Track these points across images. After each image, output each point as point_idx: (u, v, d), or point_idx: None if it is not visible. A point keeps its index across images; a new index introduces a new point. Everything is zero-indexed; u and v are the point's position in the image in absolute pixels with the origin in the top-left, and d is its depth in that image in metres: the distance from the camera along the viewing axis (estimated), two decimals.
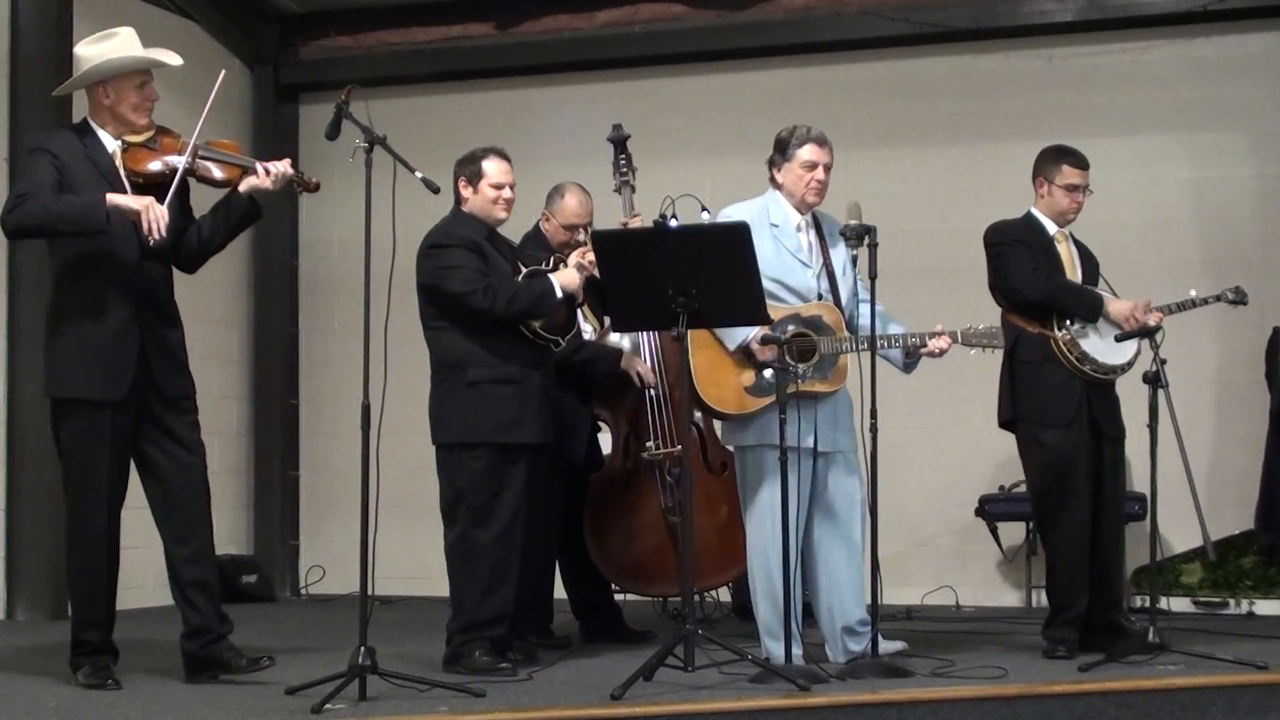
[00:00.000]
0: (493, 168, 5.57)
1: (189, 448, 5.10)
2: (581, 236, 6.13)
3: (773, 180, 5.58)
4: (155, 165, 5.06)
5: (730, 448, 5.77)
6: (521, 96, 9.28)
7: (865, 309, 5.45)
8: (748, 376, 5.42)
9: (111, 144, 5.08)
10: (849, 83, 8.74)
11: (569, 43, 9.11)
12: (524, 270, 5.57)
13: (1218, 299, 6.12)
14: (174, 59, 5.15)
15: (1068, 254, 6.03)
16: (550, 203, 6.40)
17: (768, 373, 5.28)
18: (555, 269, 5.60)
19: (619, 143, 6.67)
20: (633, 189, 6.60)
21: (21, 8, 7.71)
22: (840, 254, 5.56)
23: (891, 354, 5.50)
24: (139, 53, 5.07)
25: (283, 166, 5.12)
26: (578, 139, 8.52)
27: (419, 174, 5.00)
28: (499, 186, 5.56)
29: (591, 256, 5.49)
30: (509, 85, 9.33)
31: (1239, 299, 6.18)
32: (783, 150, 5.53)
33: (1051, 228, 6.03)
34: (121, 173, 5.04)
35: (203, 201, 5.30)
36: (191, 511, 5.10)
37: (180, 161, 5.04)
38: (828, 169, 5.51)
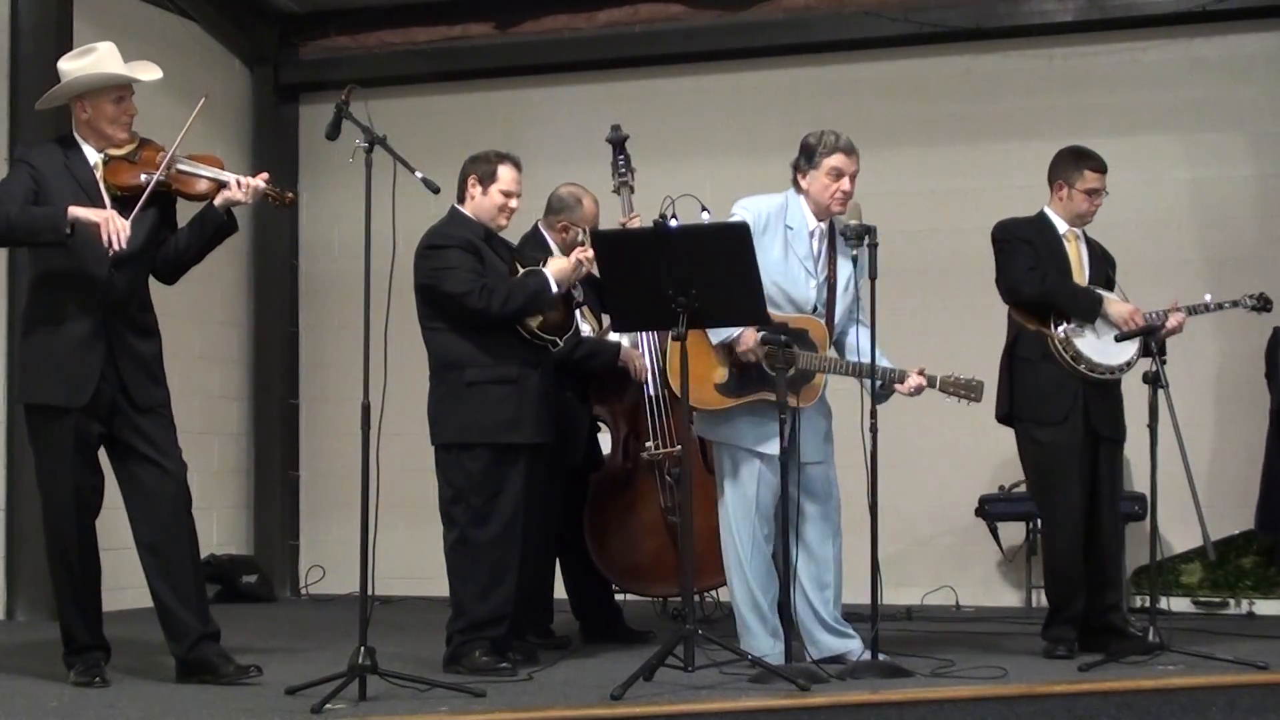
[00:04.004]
0: (507, 175, 5.56)
1: (165, 451, 5.12)
2: (580, 235, 6.13)
3: (795, 183, 5.56)
4: (134, 178, 5.08)
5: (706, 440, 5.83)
6: (521, 96, 9.28)
7: (856, 332, 5.50)
8: (720, 374, 5.44)
9: (94, 157, 5.12)
10: (849, 83, 8.74)
11: (569, 43, 9.11)
12: (521, 270, 5.57)
13: (1234, 304, 6.08)
14: (150, 75, 5.17)
15: (1076, 254, 6.03)
16: (570, 213, 6.35)
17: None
18: (549, 265, 5.59)
19: (618, 143, 6.67)
20: (631, 189, 6.61)
21: (21, 9, 7.71)
22: (846, 269, 5.56)
23: (867, 381, 5.49)
24: (113, 69, 5.09)
25: (256, 181, 5.14)
26: (577, 139, 8.51)
27: (419, 174, 5.00)
28: (508, 195, 5.55)
29: (590, 254, 5.49)
30: (509, 85, 9.33)
31: (1261, 305, 6.14)
32: (810, 157, 5.50)
33: (1062, 227, 6.04)
34: (101, 185, 5.08)
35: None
36: (165, 516, 5.09)
37: (154, 175, 5.06)
38: (854, 178, 5.48)
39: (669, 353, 5.46)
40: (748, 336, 5.39)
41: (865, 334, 5.42)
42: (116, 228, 4.82)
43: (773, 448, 5.32)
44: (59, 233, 4.85)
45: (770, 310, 5.34)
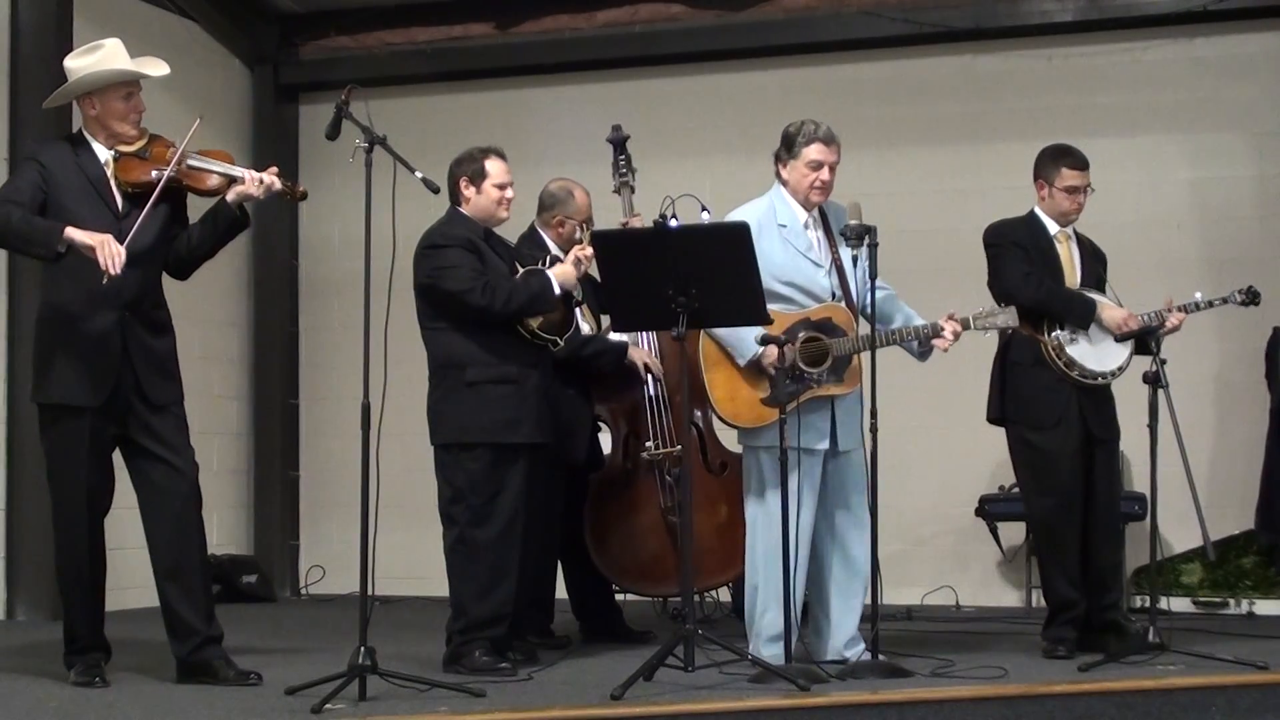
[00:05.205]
0: (495, 167, 5.56)
1: (177, 450, 5.12)
2: (579, 234, 6.13)
3: (778, 175, 5.57)
4: (146, 175, 5.07)
5: (735, 448, 5.78)
6: (521, 96, 9.28)
7: (879, 295, 5.42)
8: (763, 388, 5.40)
9: (104, 154, 5.11)
10: (849, 83, 8.74)
11: (569, 43, 9.11)
12: (521, 270, 5.57)
13: (1225, 301, 6.08)
14: (158, 70, 5.14)
15: (1068, 255, 6.02)
16: (563, 207, 6.35)
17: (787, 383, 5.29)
18: (553, 268, 5.60)
19: (618, 144, 6.67)
20: (632, 190, 6.61)
21: (21, 9, 7.71)
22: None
23: (908, 343, 5.49)
24: (121, 65, 5.07)
25: (268, 176, 5.13)
26: (578, 139, 8.51)
27: (419, 174, 5.00)
28: (502, 186, 5.56)
29: (589, 252, 5.49)
30: (509, 85, 9.33)
31: (1249, 299, 6.14)
32: (789, 146, 5.51)
33: (1054, 227, 6.03)
34: (113, 183, 5.07)
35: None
36: (176, 516, 5.09)
37: (165, 171, 5.05)
38: (833, 168, 5.47)
39: (709, 383, 5.43)
40: (770, 351, 5.34)
41: (882, 295, 5.40)
42: (112, 252, 4.78)
43: (824, 443, 5.35)
44: (51, 249, 4.83)
45: (788, 309, 5.35)
